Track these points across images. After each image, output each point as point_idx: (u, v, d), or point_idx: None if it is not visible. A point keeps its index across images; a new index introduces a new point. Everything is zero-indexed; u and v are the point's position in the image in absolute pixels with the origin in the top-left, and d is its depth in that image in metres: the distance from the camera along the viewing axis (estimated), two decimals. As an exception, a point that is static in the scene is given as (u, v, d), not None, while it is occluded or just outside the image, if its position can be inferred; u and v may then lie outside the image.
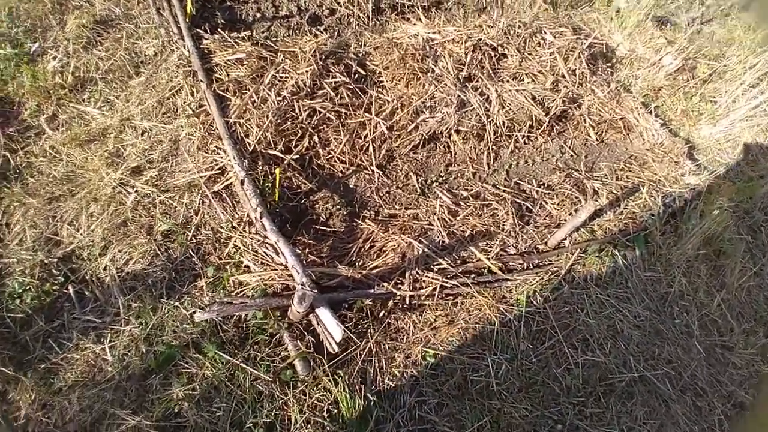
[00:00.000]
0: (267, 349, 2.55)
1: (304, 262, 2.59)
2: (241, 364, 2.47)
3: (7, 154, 3.03)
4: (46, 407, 2.37)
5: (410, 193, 3.28)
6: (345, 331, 2.32)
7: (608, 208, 3.55)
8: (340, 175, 3.15)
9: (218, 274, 2.74)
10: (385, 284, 2.62)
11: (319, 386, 2.52)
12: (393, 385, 2.68)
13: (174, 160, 3.05)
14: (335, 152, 3.12)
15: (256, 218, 2.59)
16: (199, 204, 2.90)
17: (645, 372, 3.14)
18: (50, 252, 2.75)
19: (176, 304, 2.70)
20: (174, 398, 2.46)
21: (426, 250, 2.79)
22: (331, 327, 2.30)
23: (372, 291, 2.59)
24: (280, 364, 2.51)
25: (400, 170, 3.35)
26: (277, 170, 2.71)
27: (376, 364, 2.69)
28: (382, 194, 3.22)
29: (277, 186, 2.76)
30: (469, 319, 2.96)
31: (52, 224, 2.83)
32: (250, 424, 2.39)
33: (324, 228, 2.94)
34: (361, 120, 3.19)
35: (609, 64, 4.46)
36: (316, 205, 3.04)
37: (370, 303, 2.74)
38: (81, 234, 2.81)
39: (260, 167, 2.91)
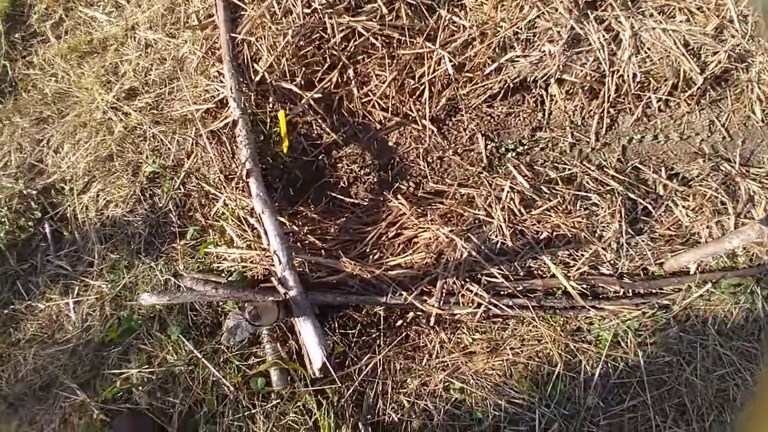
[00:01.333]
0: (239, 346, 2.00)
1: (299, 244, 1.91)
2: (204, 360, 1.95)
3: (7, 64, 2.64)
4: (2, 359, 2.10)
5: (472, 163, 2.36)
6: (328, 355, 1.64)
7: (755, 239, 2.32)
8: (378, 127, 2.30)
9: (201, 237, 2.18)
10: (404, 293, 1.86)
11: (298, 404, 1.94)
12: (396, 419, 2.03)
13: (176, 84, 2.43)
14: (375, 94, 2.26)
15: (241, 176, 1.91)
16: (192, 145, 2.29)
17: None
18: (32, 181, 2.39)
19: (152, 264, 2.23)
20: (129, 379, 2.06)
21: (474, 253, 1.93)
22: (310, 346, 1.64)
23: (383, 299, 1.85)
24: (252, 369, 1.96)
25: (464, 129, 2.41)
26: (282, 113, 1.96)
27: (380, 388, 2.03)
28: (431, 160, 2.34)
29: (284, 132, 2.02)
30: (521, 352, 2.13)
31: (38, 149, 2.45)
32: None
33: (341, 197, 2.19)
34: (418, 51, 2.25)
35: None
36: (339, 164, 2.28)
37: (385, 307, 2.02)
38: (65, 164, 2.39)
39: (270, 105, 2.18)
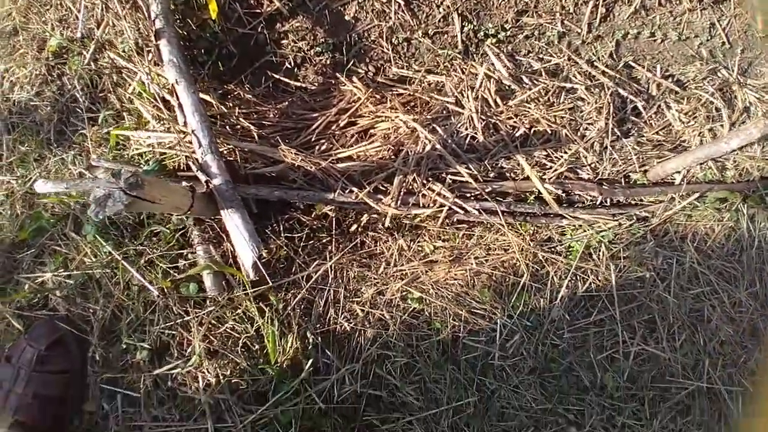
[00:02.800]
0: (167, 246, 1.72)
1: (228, 129, 1.57)
2: (124, 263, 1.68)
3: None
4: None
5: (443, 47, 2.00)
6: (259, 254, 1.39)
7: (757, 137, 2.13)
8: (333, -5, 1.89)
9: (117, 123, 1.80)
10: (356, 189, 1.59)
11: (237, 311, 1.73)
12: (349, 328, 1.86)
13: None
14: (330, -49, 1.82)
15: (150, 38, 1.52)
16: (102, 10, 1.83)
17: (718, 384, 2.11)
18: None
19: (63, 155, 1.87)
20: (44, 284, 1.79)
21: (439, 146, 1.65)
22: (238, 243, 1.38)
23: (330, 196, 1.58)
24: (182, 273, 1.71)
25: (437, 5, 2.01)
26: None
27: (331, 296, 1.83)
28: (396, 42, 1.97)
29: (209, -10, 1.59)
30: (486, 261, 1.95)
31: None
32: (131, 340, 1.70)
33: (286, 80, 1.83)
34: None
35: None
36: (283, 41, 1.88)
37: (336, 209, 1.77)
38: (-49, 35, 1.90)
39: (193, -47, 1.72)
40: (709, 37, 2.31)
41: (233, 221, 1.38)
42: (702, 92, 2.12)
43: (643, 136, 1.99)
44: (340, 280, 1.85)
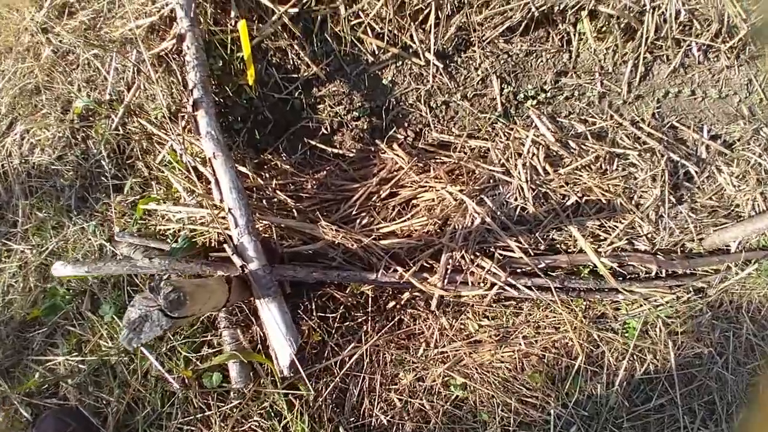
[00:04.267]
0: (191, 330, 1.57)
1: (265, 202, 1.46)
2: (143, 349, 1.52)
3: None
4: None
5: (484, 110, 1.92)
6: (299, 349, 1.24)
7: None
8: (370, 59, 1.83)
9: (144, 192, 1.70)
10: (400, 269, 1.45)
11: (264, 405, 1.54)
12: (386, 421, 1.67)
13: None
14: (368, 15, 1.77)
15: (187, 107, 1.43)
16: (133, 73, 1.78)
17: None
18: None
19: (84, 225, 1.76)
20: (55, 370, 1.63)
21: (488, 219, 1.53)
22: (275, 338, 1.23)
23: (372, 277, 1.44)
24: (205, 361, 1.54)
25: (476, 68, 1.96)
26: (243, 23, 1.47)
27: (366, 384, 1.66)
28: (434, 105, 1.90)
29: (247, 53, 1.53)
30: (536, 341, 1.78)
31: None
32: (148, 437, 1.51)
33: (323, 146, 1.73)
34: (423, -36, 1.76)
35: None
36: (320, 105, 1.80)
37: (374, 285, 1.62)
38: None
39: (231, 22, 1.67)
40: (747, 94, 2.24)
41: (270, 312, 1.23)
42: (750, 153, 2.03)
43: (697, 202, 1.87)
44: (376, 365, 1.68)
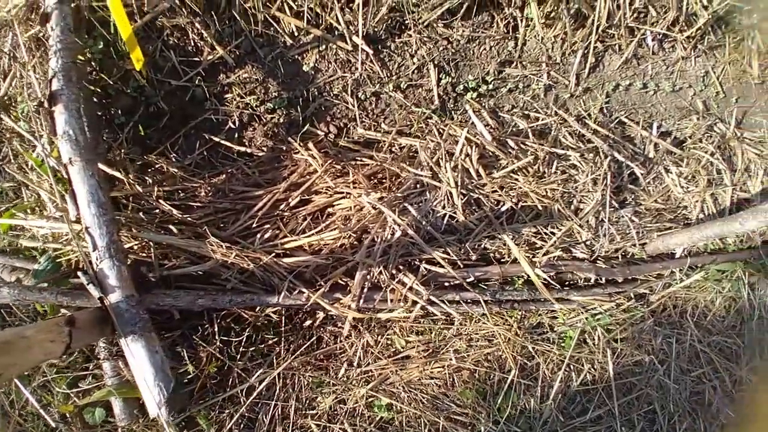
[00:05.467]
0: (70, 359, 1.36)
1: (142, 214, 1.24)
2: (16, 381, 1.30)
3: None
4: None
5: (418, 103, 1.73)
6: (168, 396, 1.05)
7: (759, 198, 1.96)
8: (288, 42, 1.59)
9: (16, 198, 1.44)
10: (306, 291, 1.27)
11: (158, 440, 1.36)
12: (302, 450, 1.53)
13: None
14: (283, -8, 1.53)
15: (42, 100, 1.18)
16: (10, 59, 1.48)
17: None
18: None
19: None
20: None
21: (411, 230, 1.36)
22: (142, 386, 1.04)
23: (273, 300, 1.26)
24: (86, 396, 1.34)
25: (411, 55, 1.75)
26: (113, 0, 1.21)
27: (279, 411, 1.50)
28: (363, 96, 1.69)
29: (125, 32, 1.27)
30: (467, 356, 1.66)
31: None
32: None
33: (228, 143, 1.51)
34: (348, -68, 1.51)
35: None
36: (227, 95, 1.56)
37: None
38: None
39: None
40: (703, 87, 2.13)
41: (134, 353, 1.04)
42: (701, 152, 1.92)
43: (641, 204, 1.76)
44: (291, 389, 1.51)
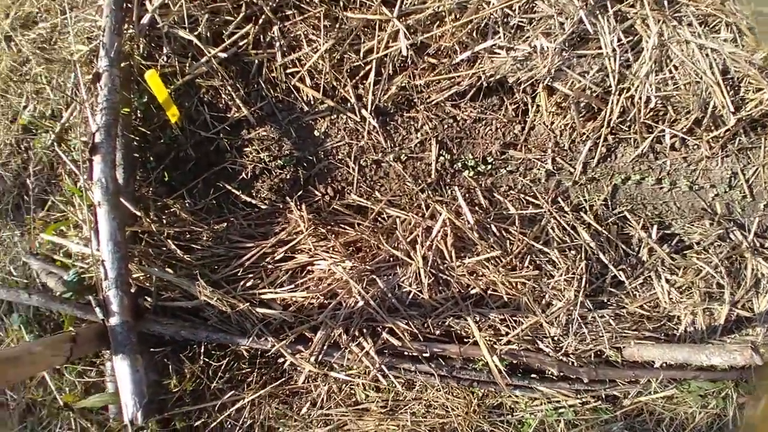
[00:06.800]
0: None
1: (151, 251, 1.48)
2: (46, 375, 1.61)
3: None
4: None
5: (416, 176, 1.86)
6: (140, 409, 1.27)
7: (763, 319, 1.84)
8: (304, 108, 1.80)
9: (64, 212, 1.77)
10: (272, 339, 1.45)
11: (136, 438, 1.60)
12: (256, 474, 1.70)
13: (75, 14, 1.91)
14: (304, 65, 1.73)
15: (86, 151, 1.46)
16: (72, 93, 1.82)
17: None
18: None
19: (15, 234, 1.85)
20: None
21: (374, 302, 1.49)
22: (123, 395, 1.27)
23: (243, 342, 1.45)
24: (91, 389, 1.62)
25: (416, 130, 1.88)
26: (152, 73, 1.47)
27: (243, 432, 1.69)
28: (364, 163, 1.85)
29: (162, 97, 1.53)
30: (423, 420, 1.74)
31: None
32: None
33: (238, 192, 1.73)
34: (370, 18, 1.69)
35: None
36: (246, 148, 1.79)
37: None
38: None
39: (165, 59, 1.68)
40: (727, 189, 2.05)
41: (119, 368, 1.27)
42: (704, 263, 1.85)
43: (624, 308, 1.74)
44: (257, 415, 1.70)
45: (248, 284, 1.51)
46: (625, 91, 1.81)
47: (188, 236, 1.59)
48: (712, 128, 1.92)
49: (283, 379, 1.67)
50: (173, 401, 1.58)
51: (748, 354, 1.25)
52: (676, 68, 1.73)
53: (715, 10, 1.66)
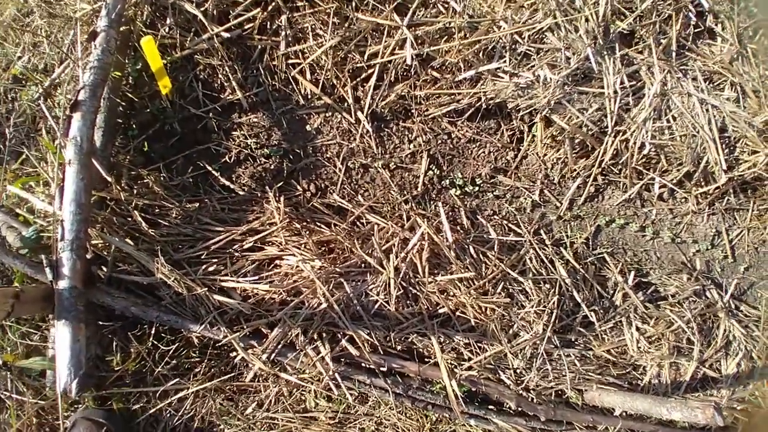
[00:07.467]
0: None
1: (115, 219, 1.42)
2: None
3: None
4: None
5: (402, 186, 1.83)
6: (75, 380, 1.20)
7: (728, 382, 1.82)
8: (300, 101, 1.77)
9: (35, 168, 1.70)
10: (225, 329, 1.39)
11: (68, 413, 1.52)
12: (188, 468, 1.62)
13: None
14: (307, 58, 1.71)
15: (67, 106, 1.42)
16: (68, 49, 1.78)
17: None
18: None
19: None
20: None
21: (336, 306, 1.44)
22: (59, 363, 1.20)
23: (195, 328, 1.39)
24: (30, 353, 1.53)
25: (409, 141, 1.86)
26: (149, 39, 1.44)
27: (183, 425, 1.61)
28: (352, 166, 1.82)
29: (155, 66, 1.49)
30: (371, 435, 1.68)
31: None
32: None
33: (216, 173, 1.68)
34: (380, 22, 1.68)
35: None
36: (234, 132, 1.76)
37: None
38: None
39: (167, 29, 1.65)
40: (709, 246, 2.05)
41: (60, 334, 1.20)
42: (676, 316, 1.83)
43: (591, 350, 1.71)
44: (199, 408, 1.62)
45: (210, 269, 1.45)
46: (621, 133, 1.81)
47: (157, 211, 1.54)
48: (702, 184, 1.93)
49: (233, 374, 1.60)
50: (113, 380, 1.50)
51: (710, 413, 1.22)
52: (674, 119, 1.73)
53: (723, 68, 1.68)
